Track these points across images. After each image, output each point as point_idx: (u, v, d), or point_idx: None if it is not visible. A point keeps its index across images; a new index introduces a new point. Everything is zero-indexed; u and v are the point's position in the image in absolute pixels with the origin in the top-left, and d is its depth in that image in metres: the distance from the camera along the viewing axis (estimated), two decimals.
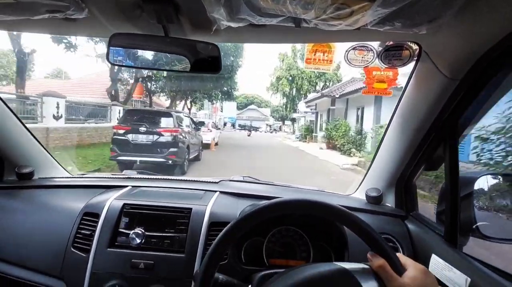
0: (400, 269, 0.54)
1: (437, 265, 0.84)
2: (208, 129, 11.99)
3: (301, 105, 23.78)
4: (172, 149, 6.76)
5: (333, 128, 13.18)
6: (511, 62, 0.63)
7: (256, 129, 46.01)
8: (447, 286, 0.78)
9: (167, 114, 7.74)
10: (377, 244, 0.59)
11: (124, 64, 0.78)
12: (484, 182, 0.92)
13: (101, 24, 0.76)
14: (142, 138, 6.79)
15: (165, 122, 7.31)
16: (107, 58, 0.76)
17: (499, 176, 0.94)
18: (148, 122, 7.05)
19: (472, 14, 0.59)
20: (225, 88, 17.51)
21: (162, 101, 20.97)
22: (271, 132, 42.73)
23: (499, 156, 2.62)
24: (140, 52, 0.79)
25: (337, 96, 14.08)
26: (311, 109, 21.09)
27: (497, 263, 0.78)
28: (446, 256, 0.83)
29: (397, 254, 0.58)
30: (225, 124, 44.25)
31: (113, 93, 12.10)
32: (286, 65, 27.41)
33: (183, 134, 7.41)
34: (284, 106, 33.03)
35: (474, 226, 0.87)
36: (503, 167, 2.54)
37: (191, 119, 9.60)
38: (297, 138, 22.05)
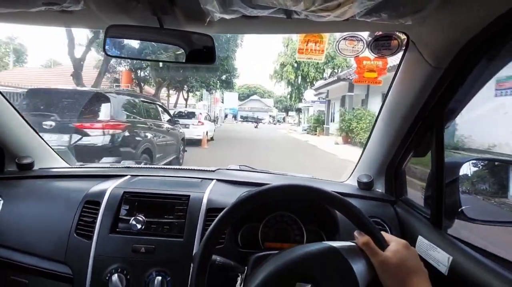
0: (383, 245, 0.59)
1: (423, 245, 0.89)
2: (200, 122, 10.04)
3: (308, 94, 21.86)
4: (106, 159, 4.01)
5: (353, 119, 10.84)
6: (493, 51, 0.66)
7: (259, 120, 43.34)
8: (432, 264, 0.83)
9: (100, 98, 4.44)
10: (363, 223, 0.63)
11: (120, 55, 0.80)
12: (469, 168, 0.97)
13: (97, 16, 0.77)
14: (48, 140, 2.78)
15: (97, 111, 4.30)
16: (104, 50, 0.78)
17: (483, 162, 0.98)
18: (63, 111, 4.12)
19: (455, 5, 0.61)
20: (224, 76, 16.00)
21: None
22: (274, 124, 40.56)
23: None
24: (136, 44, 0.81)
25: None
26: (320, 98, 19.23)
27: (479, 243, 0.83)
28: (431, 237, 0.88)
29: (382, 232, 0.62)
30: (226, 115, 40.75)
31: (78, 78, 9.84)
32: (291, 50, 24.79)
33: (138, 131, 4.69)
34: (288, 96, 30.54)
35: (459, 210, 0.92)
36: None
37: (161, 106, 6.60)
38: (305, 130, 20.26)
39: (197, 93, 21.05)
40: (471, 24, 0.63)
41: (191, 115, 10.23)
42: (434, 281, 0.57)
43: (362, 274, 0.57)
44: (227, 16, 0.68)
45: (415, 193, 1.18)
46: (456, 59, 0.71)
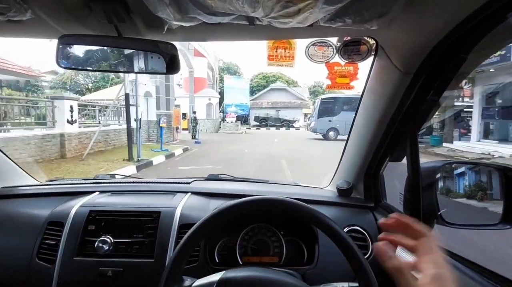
0: (360, 260, 0.57)
1: (402, 253, 0.87)
2: None
3: None
4: None
5: None
6: (460, 55, 0.65)
7: (288, 123, 26.07)
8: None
9: None
10: (340, 239, 0.61)
11: (75, 67, 0.74)
12: (445, 171, 0.96)
13: (48, 25, 0.72)
14: None
15: None
16: (57, 62, 0.72)
17: (460, 165, 0.97)
18: None
19: (418, 9, 0.60)
20: None
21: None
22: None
23: None
24: (92, 54, 0.76)
25: None
26: None
27: (457, 249, 0.82)
28: None
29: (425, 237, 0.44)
30: (223, 118, 23.17)
31: None
32: None
33: None
34: None
35: (438, 214, 0.91)
36: None
37: None
38: None
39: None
40: (436, 29, 0.62)
41: None
42: None
43: None
44: (185, 24, 0.64)
45: (394, 198, 1.16)
46: (424, 64, 0.69)
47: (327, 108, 16.09)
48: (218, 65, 25.55)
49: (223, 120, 22.85)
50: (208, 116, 20.89)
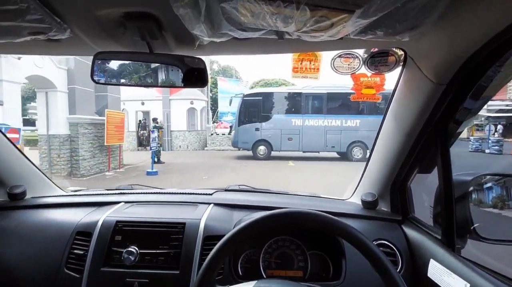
0: (392, 273, 0.55)
1: (436, 270, 0.83)
2: None
3: None
4: None
5: None
6: (495, 66, 0.63)
7: None
8: None
9: None
10: (369, 251, 0.59)
11: (109, 82, 0.77)
12: (478, 183, 0.92)
13: (85, 43, 0.76)
14: None
15: None
16: (92, 77, 0.75)
17: (493, 177, 0.93)
18: None
19: (453, 21, 0.59)
20: None
21: None
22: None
23: None
24: (125, 69, 0.79)
25: None
26: None
27: (496, 265, 0.77)
28: (444, 261, 0.82)
29: None
30: (212, 132, 16.68)
31: None
32: None
33: None
34: None
35: (471, 228, 0.87)
36: None
37: None
38: None
39: None
40: (471, 40, 0.61)
41: None
42: None
43: None
44: (217, 39, 0.66)
45: (422, 210, 1.12)
46: (457, 75, 0.68)
47: (253, 111, 10.35)
48: (212, 67, 21.88)
49: (215, 133, 16.58)
50: (191, 126, 14.64)
